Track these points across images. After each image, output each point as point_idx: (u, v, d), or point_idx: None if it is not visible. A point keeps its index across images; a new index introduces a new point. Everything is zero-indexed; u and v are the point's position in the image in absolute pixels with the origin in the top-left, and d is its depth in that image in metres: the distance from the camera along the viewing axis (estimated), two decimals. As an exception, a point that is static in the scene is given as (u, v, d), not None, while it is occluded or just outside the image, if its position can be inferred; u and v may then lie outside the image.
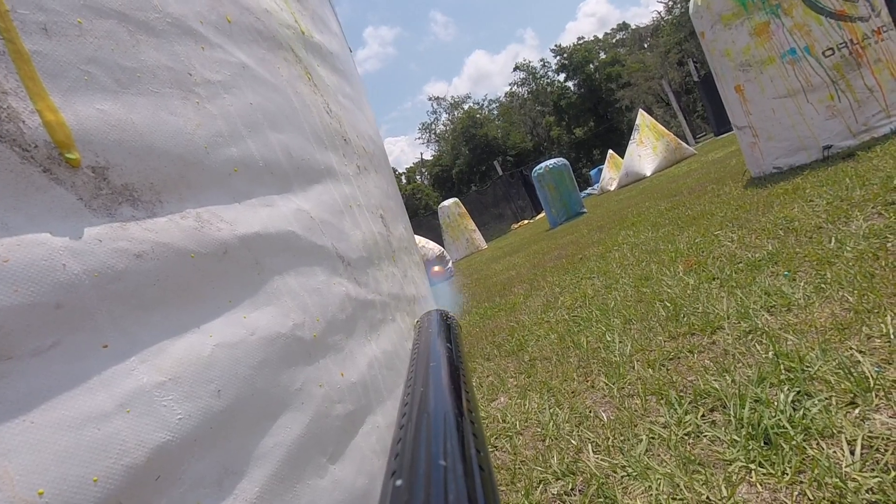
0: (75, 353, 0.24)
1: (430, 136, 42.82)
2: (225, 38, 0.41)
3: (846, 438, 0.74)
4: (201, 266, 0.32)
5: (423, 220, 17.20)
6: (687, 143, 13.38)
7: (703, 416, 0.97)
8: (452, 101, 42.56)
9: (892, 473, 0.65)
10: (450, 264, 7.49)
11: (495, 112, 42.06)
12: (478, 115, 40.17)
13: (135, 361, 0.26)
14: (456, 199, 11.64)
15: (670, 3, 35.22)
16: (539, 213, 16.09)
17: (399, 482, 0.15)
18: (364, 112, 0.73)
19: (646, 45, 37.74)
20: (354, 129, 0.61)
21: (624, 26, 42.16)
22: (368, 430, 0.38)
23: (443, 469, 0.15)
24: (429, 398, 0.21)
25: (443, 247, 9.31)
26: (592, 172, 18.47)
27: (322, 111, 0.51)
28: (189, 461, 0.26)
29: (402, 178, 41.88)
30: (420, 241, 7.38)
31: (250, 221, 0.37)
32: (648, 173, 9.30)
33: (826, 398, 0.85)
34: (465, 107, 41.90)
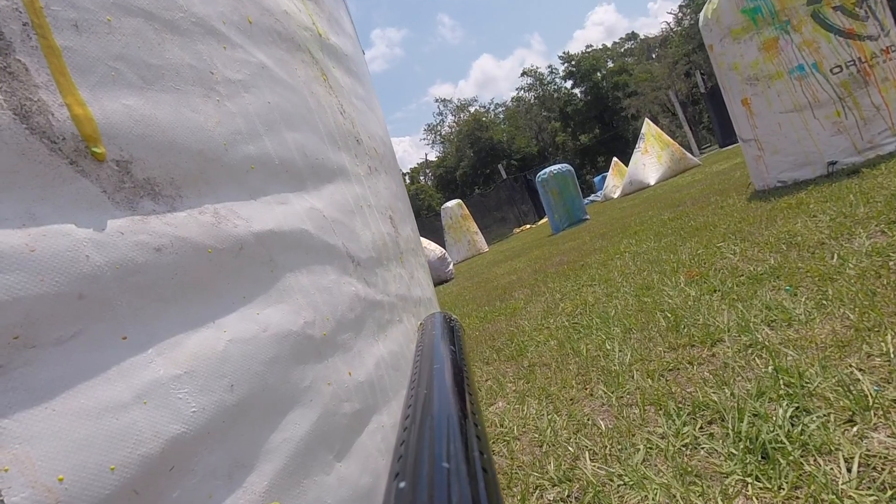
0: (96, 343, 0.25)
1: (435, 137, 42.90)
2: (246, 39, 0.41)
3: (844, 456, 0.75)
4: (218, 261, 0.32)
5: (426, 221, 17.20)
6: (692, 153, 13.39)
7: (701, 428, 0.97)
8: (458, 104, 42.65)
9: (889, 492, 0.66)
10: (450, 266, 7.49)
11: (501, 116, 42.14)
12: (483, 119, 40.24)
13: (152, 354, 0.26)
14: (459, 201, 11.65)
15: (679, 14, 35.30)
16: (542, 218, 16.09)
17: (402, 484, 0.15)
18: (375, 113, 0.74)
19: (654, 56, 37.82)
20: (366, 130, 0.62)
21: (633, 36, 42.26)
22: (374, 429, 0.38)
23: (446, 471, 0.16)
24: (432, 400, 0.22)
25: (444, 247, 9.32)
26: (596, 179, 18.48)
27: (336, 112, 0.52)
28: (202, 453, 0.26)
29: (406, 178, 41.94)
30: (422, 241, 7.37)
31: (265, 218, 0.37)
32: (652, 182, 9.30)
33: (825, 415, 0.85)
34: (471, 109, 41.98)
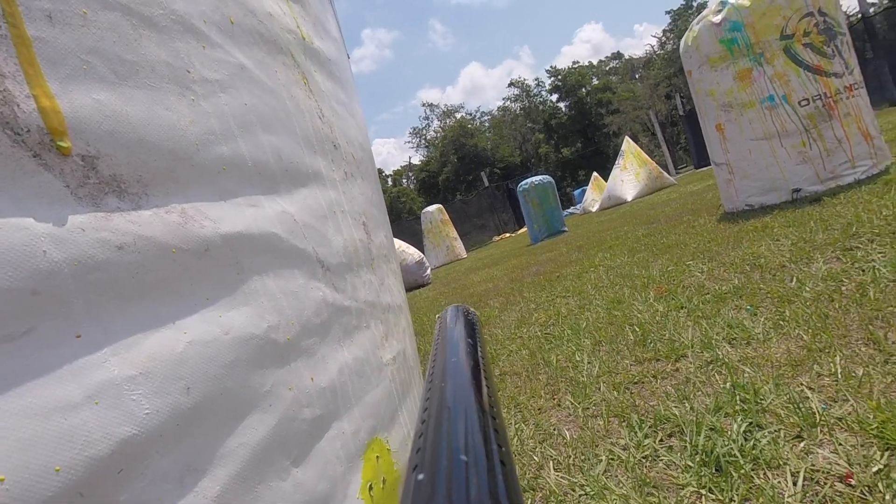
0: (48, 341, 0.24)
1: (420, 141, 42.93)
2: (226, 39, 0.41)
3: (791, 470, 0.78)
4: (182, 262, 0.32)
5: (406, 224, 17.16)
6: (668, 172, 13.84)
7: (661, 440, 1.00)
8: (445, 109, 42.87)
9: (828, 506, 0.69)
10: (428, 271, 7.48)
11: (487, 124, 42.59)
12: (469, 126, 40.56)
13: (107, 353, 0.26)
14: (440, 206, 11.66)
15: (663, 38, 36.63)
16: (521, 227, 16.28)
17: (421, 476, 0.15)
18: (355, 118, 0.74)
19: (637, 76, 39.04)
20: (345, 135, 0.62)
21: (618, 55, 43.53)
22: (333, 435, 0.38)
23: (464, 464, 0.16)
24: (449, 393, 0.22)
25: (422, 252, 9.31)
26: (576, 192, 18.88)
27: (315, 116, 0.52)
28: (153, 457, 0.26)
29: (388, 180, 41.79)
30: (400, 245, 7.35)
31: (234, 220, 0.37)
32: (629, 198, 9.55)
33: (775, 431, 0.89)
34: (458, 116, 42.26)
